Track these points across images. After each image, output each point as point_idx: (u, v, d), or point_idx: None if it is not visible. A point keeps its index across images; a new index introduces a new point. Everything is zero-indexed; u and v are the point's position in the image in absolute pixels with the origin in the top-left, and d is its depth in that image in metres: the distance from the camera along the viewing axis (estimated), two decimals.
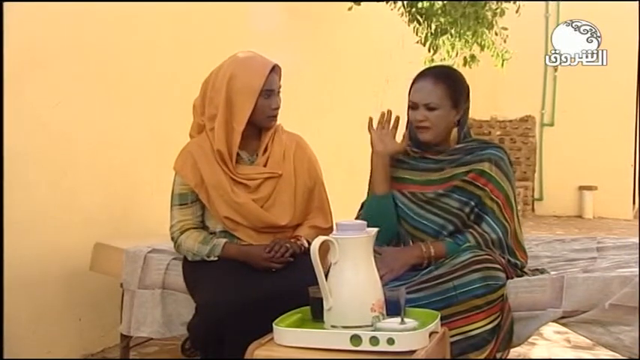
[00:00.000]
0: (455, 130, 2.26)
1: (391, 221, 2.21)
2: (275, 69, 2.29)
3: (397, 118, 2.26)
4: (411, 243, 2.21)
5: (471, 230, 2.15)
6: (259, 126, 2.30)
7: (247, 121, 2.25)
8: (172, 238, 2.31)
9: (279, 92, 2.30)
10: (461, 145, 2.25)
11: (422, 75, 2.26)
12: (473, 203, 2.17)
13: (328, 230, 2.32)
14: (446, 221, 2.18)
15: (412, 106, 2.23)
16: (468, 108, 2.27)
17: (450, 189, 2.19)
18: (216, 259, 2.22)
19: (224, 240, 2.24)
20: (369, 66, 6.44)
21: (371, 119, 2.28)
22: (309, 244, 2.12)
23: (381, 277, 2.02)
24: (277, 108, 2.29)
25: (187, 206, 2.29)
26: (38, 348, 2.79)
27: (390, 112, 2.26)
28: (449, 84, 2.22)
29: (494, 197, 2.17)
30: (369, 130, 2.28)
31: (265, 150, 2.33)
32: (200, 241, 2.25)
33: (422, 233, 2.20)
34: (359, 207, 2.38)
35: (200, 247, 2.24)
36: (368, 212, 2.25)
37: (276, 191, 2.29)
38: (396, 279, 2.06)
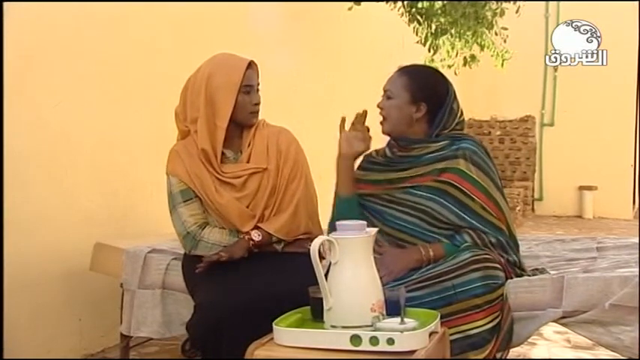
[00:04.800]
0: (421, 130, 2.24)
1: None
2: (252, 66, 2.29)
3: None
4: (386, 244, 2.20)
5: (467, 230, 2.14)
6: (241, 123, 2.30)
7: (230, 119, 2.25)
8: (188, 234, 2.24)
9: (258, 89, 2.31)
10: (431, 142, 2.23)
11: (399, 68, 2.31)
12: (449, 204, 2.14)
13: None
14: (420, 220, 2.17)
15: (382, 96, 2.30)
16: (445, 111, 2.23)
17: (423, 188, 2.17)
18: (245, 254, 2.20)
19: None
20: (369, 66, 6.44)
21: (343, 119, 2.29)
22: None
23: (379, 279, 2.03)
24: (258, 104, 2.30)
25: (192, 201, 2.28)
26: (38, 348, 2.80)
27: (365, 113, 2.28)
28: (412, 78, 2.24)
29: (474, 196, 2.14)
30: (341, 131, 2.28)
31: (248, 145, 2.32)
32: (227, 233, 2.25)
33: (399, 233, 2.19)
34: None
35: (231, 239, 2.24)
36: (336, 215, 2.23)
37: (262, 186, 2.28)
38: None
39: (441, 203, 2.14)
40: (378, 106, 2.28)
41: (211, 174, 2.26)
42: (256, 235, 2.22)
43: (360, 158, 2.35)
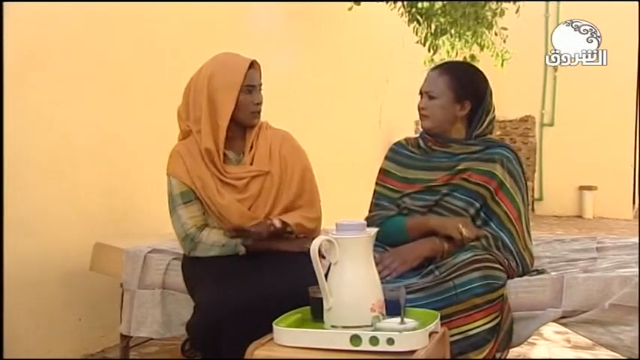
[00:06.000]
0: (462, 126, 2.26)
1: (393, 242, 2.21)
2: (254, 65, 2.28)
3: None
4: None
5: (484, 230, 2.16)
6: (243, 124, 2.29)
7: (232, 119, 2.25)
8: (187, 236, 2.25)
9: (260, 89, 2.30)
10: (468, 143, 2.24)
11: (436, 67, 2.32)
12: (478, 204, 2.17)
13: (316, 220, 2.34)
14: None
15: (420, 94, 2.28)
16: (484, 109, 2.24)
17: (455, 188, 2.19)
18: (241, 248, 2.22)
19: None
20: (369, 66, 6.44)
21: None
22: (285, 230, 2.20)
23: (395, 269, 2.03)
24: (260, 104, 2.29)
25: (192, 203, 2.27)
26: (38, 348, 2.80)
27: None
28: (454, 77, 2.23)
29: (502, 203, 2.17)
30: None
31: (251, 148, 2.32)
32: (225, 234, 2.25)
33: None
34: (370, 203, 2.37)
35: (229, 240, 2.23)
36: (385, 228, 2.13)
37: (264, 189, 2.28)
38: (397, 279, 2.06)
39: (471, 204, 2.18)
40: (419, 107, 2.27)
41: (214, 174, 2.26)
42: (277, 222, 2.21)
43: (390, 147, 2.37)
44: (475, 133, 2.25)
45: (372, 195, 2.36)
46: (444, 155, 2.26)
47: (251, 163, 2.30)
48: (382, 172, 2.36)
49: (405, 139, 2.39)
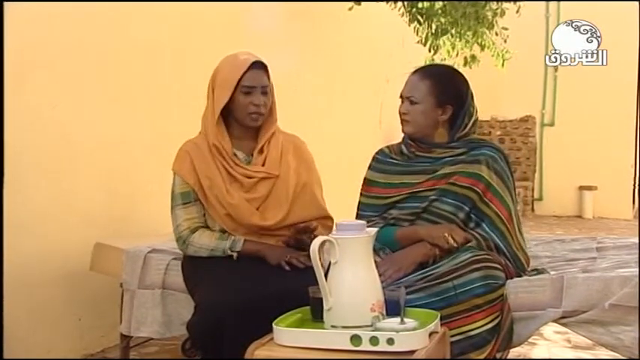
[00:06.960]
0: (444, 130, 2.25)
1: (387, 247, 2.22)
2: (259, 67, 2.25)
3: None
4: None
5: (473, 232, 2.16)
6: (242, 124, 2.28)
7: (235, 119, 2.26)
8: (180, 238, 2.28)
9: (265, 91, 2.25)
10: (452, 146, 2.24)
11: (416, 70, 2.30)
12: (467, 208, 2.17)
13: (331, 229, 2.34)
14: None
15: (400, 98, 2.28)
16: (466, 112, 2.23)
17: (443, 193, 2.18)
18: (234, 253, 2.22)
19: (243, 237, 2.24)
20: (369, 66, 6.44)
21: None
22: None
23: (390, 276, 2.03)
24: (259, 105, 2.24)
25: (191, 204, 2.28)
26: (38, 348, 2.80)
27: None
28: (435, 82, 2.23)
29: (491, 204, 2.17)
30: None
31: (262, 150, 2.32)
32: (217, 237, 2.25)
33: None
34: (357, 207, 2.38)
35: (219, 243, 2.23)
36: (379, 238, 2.04)
37: (273, 192, 2.28)
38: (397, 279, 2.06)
39: (460, 208, 2.17)
40: (400, 111, 2.27)
41: (223, 170, 2.26)
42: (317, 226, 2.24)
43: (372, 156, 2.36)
44: (458, 136, 2.25)
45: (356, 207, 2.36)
46: (427, 160, 2.26)
47: (262, 165, 2.30)
48: (366, 182, 2.36)
49: (388, 147, 2.38)
